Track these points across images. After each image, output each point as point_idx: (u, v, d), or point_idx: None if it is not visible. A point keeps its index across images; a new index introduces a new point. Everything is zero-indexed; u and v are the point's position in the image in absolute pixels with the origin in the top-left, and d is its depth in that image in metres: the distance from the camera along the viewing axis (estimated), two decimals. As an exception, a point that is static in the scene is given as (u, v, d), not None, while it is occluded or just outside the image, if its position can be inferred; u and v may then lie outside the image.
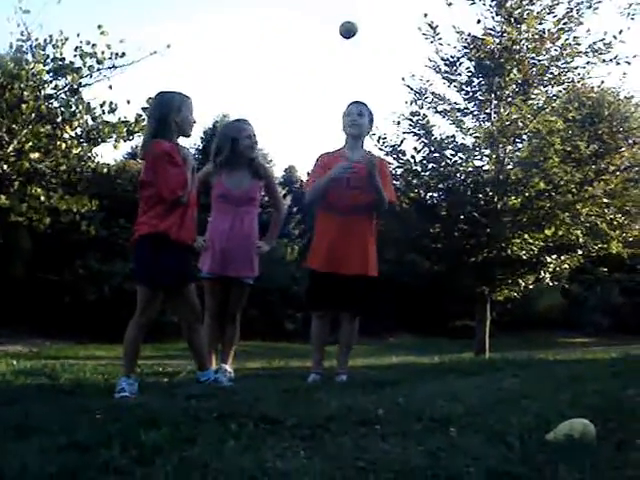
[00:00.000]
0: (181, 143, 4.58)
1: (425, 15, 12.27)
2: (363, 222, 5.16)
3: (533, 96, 12.72)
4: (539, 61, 12.50)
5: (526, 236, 12.45)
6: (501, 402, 3.40)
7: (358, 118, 5.21)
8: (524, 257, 12.53)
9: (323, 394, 3.84)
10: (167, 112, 4.43)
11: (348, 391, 4.01)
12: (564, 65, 12.50)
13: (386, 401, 3.44)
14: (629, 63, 12.30)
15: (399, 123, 12.64)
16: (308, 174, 5.68)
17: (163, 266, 4.35)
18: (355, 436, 2.68)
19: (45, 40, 9.25)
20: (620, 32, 12.03)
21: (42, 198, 9.58)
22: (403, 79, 12.74)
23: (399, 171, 12.76)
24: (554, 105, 12.55)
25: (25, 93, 9.02)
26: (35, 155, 9.35)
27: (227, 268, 5.38)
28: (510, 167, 12.85)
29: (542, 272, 12.91)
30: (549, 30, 12.36)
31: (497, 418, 2.94)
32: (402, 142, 12.63)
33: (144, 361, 5.44)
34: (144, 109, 9.58)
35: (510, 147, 12.83)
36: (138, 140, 10.77)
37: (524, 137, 12.75)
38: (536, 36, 12.37)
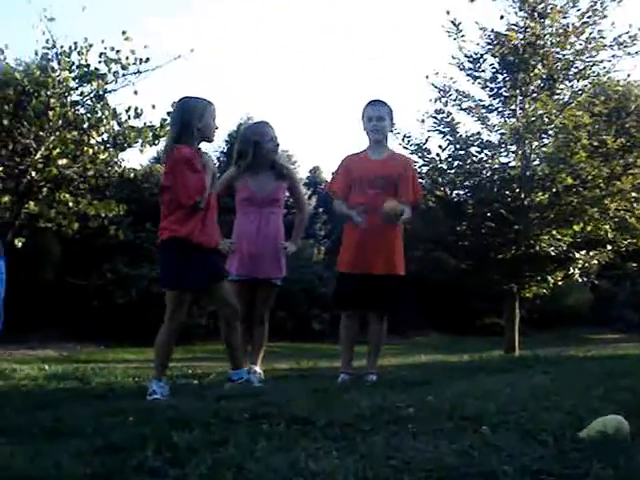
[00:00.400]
0: (206, 147, 4.63)
1: (448, 12, 12.22)
2: None
3: (558, 91, 12.62)
4: (564, 56, 12.38)
5: (554, 232, 12.35)
6: (533, 399, 3.38)
7: (378, 123, 5.22)
8: (552, 253, 12.41)
9: (353, 394, 3.84)
10: (189, 118, 4.46)
11: (378, 390, 4.01)
12: (589, 59, 12.38)
13: (416, 400, 3.44)
14: (656, 56, 12.18)
15: (423, 121, 12.60)
16: (332, 175, 5.71)
17: (188, 268, 4.38)
18: (387, 435, 2.67)
19: (70, 47, 9.32)
20: (645, 24, 11.92)
21: (70, 204, 9.68)
22: (427, 77, 12.70)
23: (424, 169, 12.71)
24: (580, 100, 12.44)
25: (52, 100, 9.10)
26: (63, 161, 9.43)
27: (255, 270, 5.41)
28: (537, 163, 12.75)
29: (571, 268, 12.78)
30: (573, 24, 12.25)
31: (529, 416, 2.92)
32: (427, 140, 12.58)
33: (174, 364, 5.48)
34: (169, 113, 9.63)
35: (536, 143, 12.73)
36: (164, 144, 10.84)
37: (550, 132, 12.64)
38: (560, 30, 12.27)
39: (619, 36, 12.11)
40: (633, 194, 12.15)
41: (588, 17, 12.13)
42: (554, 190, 12.24)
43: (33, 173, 9.36)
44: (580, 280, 13.75)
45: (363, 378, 5.14)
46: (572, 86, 12.67)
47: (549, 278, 12.93)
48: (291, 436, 2.71)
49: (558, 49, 12.31)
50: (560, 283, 13.37)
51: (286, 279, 5.71)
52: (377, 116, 5.20)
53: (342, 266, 5.31)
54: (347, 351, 5.35)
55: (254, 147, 5.41)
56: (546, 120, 12.03)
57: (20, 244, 9.74)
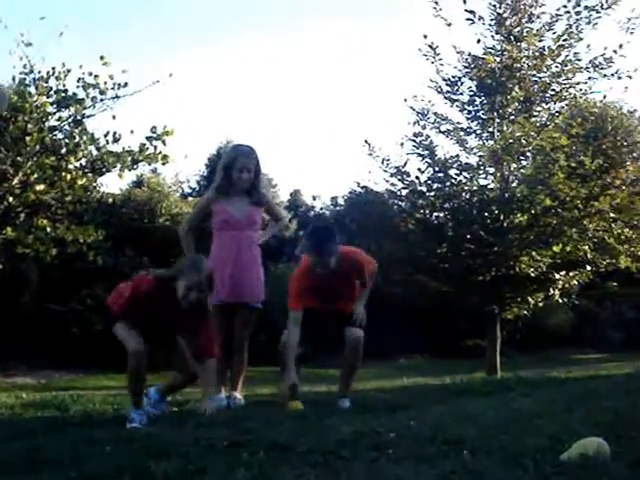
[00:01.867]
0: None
1: (425, 36, 12.32)
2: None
3: (535, 113, 12.73)
4: (540, 78, 12.51)
5: (534, 253, 12.39)
6: (514, 423, 3.36)
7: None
8: (532, 274, 12.45)
9: (334, 419, 3.82)
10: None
11: (359, 415, 3.98)
12: (565, 81, 12.51)
13: (398, 424, 3.41)
14: (630, 77, 12.29)
15: (402, 144, 12.65)
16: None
17: None
18: (367, 461, 2.65)
19: (48, 72, 9.28)
20: (620, 46, 12.06)
21: (48, 229, 9.59)
22: (405, 100, 12.76)
23: (404, 192, 12.77)
24: (557, 121, 12.56)
25: (29, 125, 9.05)
26: (40, 187, 9.36)
27: (236, 294, 5.37)
28: (515, 185, 12.83)
29: (551, 289, 12.84)
30: (549, 47, 12.39)
31: (511, 439, 2.91)
32: (406, 163, 12.62)
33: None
34: (148, 138, 9.62)
35: (514, 165, 12.82)
36: (142, 169, 10.78)
37: (528, 154, 12.74)
38: (536, 53, 12.40)
39: (595, 58, 12.25)
40: (611, 214, 12.24)
41: (564, 40, 12.28)
42: (533, 211, 12.31)
43: (10, 199, 9.27)
44: (560, 301, 13.80)
45: (337, 404, 5.05)
46: (549, 108, 12.79)
47: (529, 299, 12.97)
48: (271, 463, 2.68)
49: (535, 72, 12.44)
50: (541, 304, 13.41)
51: (265, 303, 5.68)
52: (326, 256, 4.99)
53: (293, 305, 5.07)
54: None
55: (224, 172, 5.41)
56: (524, 142, 12.12)
57: (-3, 270, 9.64)
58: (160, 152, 9.69)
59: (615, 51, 12.13)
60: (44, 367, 17.10)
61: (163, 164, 9.87)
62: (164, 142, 9.65)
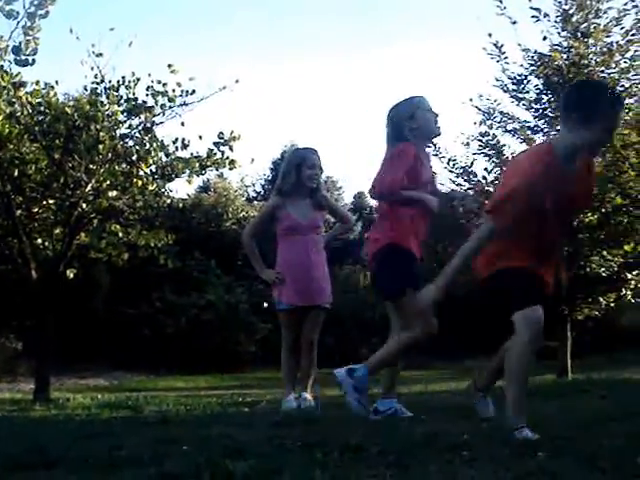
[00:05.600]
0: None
1: (490, 35, 12.20)
2: None
3: (604, 110, 12.46)
4: (609, 74, 12.25)
5: (605, 253, 12.17)
6: (589, 425, 3.33)
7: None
8: (604, 274, 12.24)
9: (406, 421, 3.82)
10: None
11: (431, 417, 3.98)
12: (635, 77, 12.18)
13: (471, 426, 3.41)
14: (703, 71, 11.99)
15: (468, 144, 12.55)
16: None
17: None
18: (442, 462, 2.65)
19: (118, 81, 9.48)
20: (692, 40, 11.76)
21: (120, 234, 9.82)
22: (471, 100, 12.66)
23: (471, 192, 12.65)
24: (627, 118, 12.27)
25: (101, 134, 9.27)
26: (113, 193, 9.59)
27: (308, 297, 5.43)
28: (584, 183, 12.59)
29: (623, 289, 12.59)
30: (617, 42, 12.12)
31: (586, 441, 2.88)
32: (472, 163, 12.54)
33: (224, 391, 5.51)
34: (215, 144, 9.77)
35: (583, 163, 12.57)
36: (209, 174, 10.94)
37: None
38: (604, 49, 12.14)
39: (665, 53, 11.94)
40: (685, 212, 11.92)
41: (632, 35, 11.99)
42: (603, 210, 12.07)
43: (84, 205, 9.51)
44: (633, 301, 13.50)
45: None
46: (619, 105, 12.51)
47: (601, 299, 12.74)
48: (345, 464, 2.70)
49: (603, 68, 12.18)
50: (612, 304, 13.16)
51: (333, 304, 5.73)
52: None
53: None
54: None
55: (296, 171, 5.45)
56: (593, 140, 11.88)
57: (72, 275, 9.90)
58: (227, 157, 9.83)
59: (687, 45, 11.81)
60: (115, 369, 17.52)
61: (230, 169, 9.99)
62: (231, 147, 9.78)
